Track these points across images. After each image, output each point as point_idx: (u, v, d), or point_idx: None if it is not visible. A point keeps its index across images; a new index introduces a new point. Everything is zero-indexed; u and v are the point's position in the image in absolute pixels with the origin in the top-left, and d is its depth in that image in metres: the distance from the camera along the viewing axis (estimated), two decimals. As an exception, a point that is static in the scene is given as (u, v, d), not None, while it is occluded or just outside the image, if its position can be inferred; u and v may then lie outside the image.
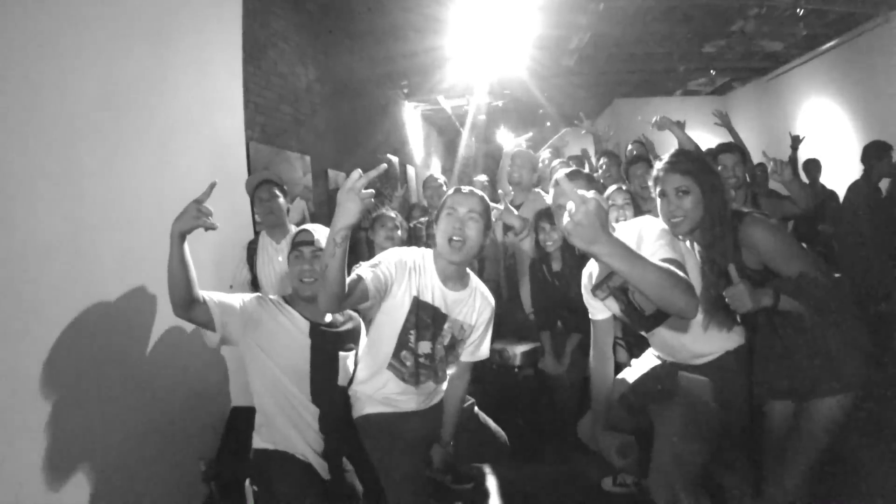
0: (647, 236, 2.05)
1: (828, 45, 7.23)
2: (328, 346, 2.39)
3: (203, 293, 2.19)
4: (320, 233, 2.41)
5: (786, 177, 3.14)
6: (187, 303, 2.14)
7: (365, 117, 7.83)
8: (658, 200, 2.19)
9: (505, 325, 3.83)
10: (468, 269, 2.45)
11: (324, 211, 5.67)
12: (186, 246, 2.10)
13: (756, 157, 4.27)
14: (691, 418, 2.07)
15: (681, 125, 4.31)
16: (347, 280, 1.93)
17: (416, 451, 2.38)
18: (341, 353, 2.43)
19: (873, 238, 4.69)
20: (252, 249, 3.50)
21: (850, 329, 2.03)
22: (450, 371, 2.48)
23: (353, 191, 1.82)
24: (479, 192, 2.35)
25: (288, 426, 2.30)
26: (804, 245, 2.55)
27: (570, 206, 1.42)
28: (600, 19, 6.65)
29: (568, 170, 2.62)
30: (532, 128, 12.83)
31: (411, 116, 11.26)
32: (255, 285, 3.41)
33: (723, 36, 7.26)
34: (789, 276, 1.99)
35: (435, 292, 2.31)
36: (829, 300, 1.97)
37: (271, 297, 2.45)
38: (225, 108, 3.86)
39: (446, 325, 2.34)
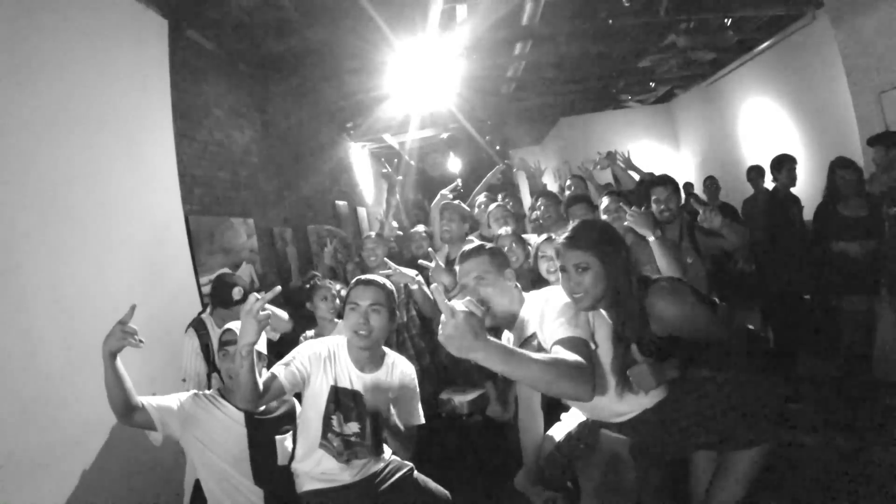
0: (549, 313, 2.15)
1: (761, 47, 7.71)
2: (264, 431, 2.63)
3: (142, 399, 2.42)
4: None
5: (715, 224, 3.25)
6: (127, 411, 2.35)
7: (309, 167, 8.06)
8: (560, 275, 2.22)
9: (452, 372, 4.07)
10: (383, 347, 2.68)
11: (272, 270, 5.87)
12: (119, 362, 2.30)
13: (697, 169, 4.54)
14: (609, 475, 2.23)
15: (623, 158, 4.59)
16: (262, 379, 2.24)
17: None
18: (278, 437, 2.65)
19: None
20: (204, 341, 3.57)
21: (760, 386, 2.11)
22: (383, 444, 2.64)
23: (251, 314, 2.07)
24: (381, 282, 2.60)
25: None
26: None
27: (443, 318, 1.59)
28: (532, 49, 7.04)
29: (470, 245, 2.67)
30: (480, 153, 13.22)
31: (359, 156, 11.51)
32: (217, 373, 3.43)
33: (657, 51, 7.69)
34: (696, 342, 2.09)
35: (352, 377, 2.53)
36: (737, 363, 2.09)
37: (206, 392, 2.69)
38: (160, 186, 4.07)
39: (369, 406, 2.51)
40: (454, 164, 14.98)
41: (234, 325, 2.63)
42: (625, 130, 11.15)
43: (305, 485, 2.52)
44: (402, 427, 2.56)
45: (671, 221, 3.58)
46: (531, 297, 2.40)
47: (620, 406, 2.21)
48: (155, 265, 3.79)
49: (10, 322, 2.57)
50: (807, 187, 5.57)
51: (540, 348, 2.16)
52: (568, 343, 1.92)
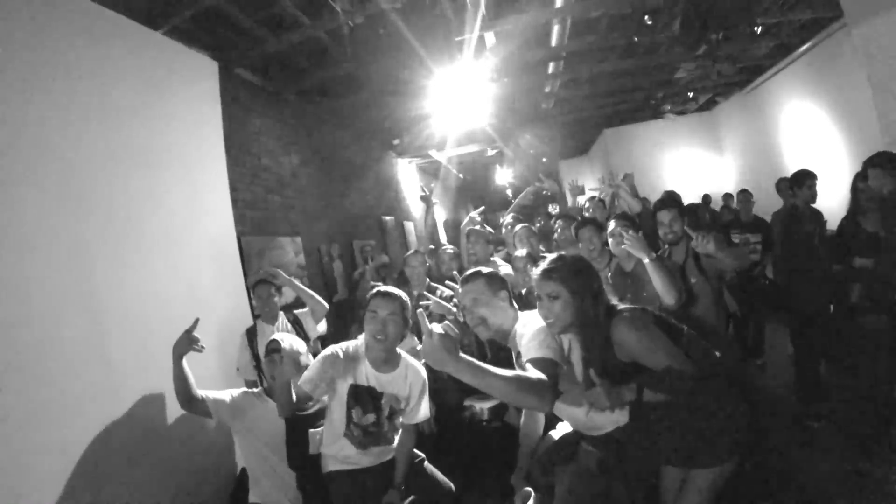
0: (526, 335, 2.48)
1: (799, 50, 7.72)
2: (300, 425, 3.16)
3: (201, 392, 3.05)
4: (287, 340, 3.24)
5: (709, 250, 3.39)
6: (188, 401, 3.03)
7: (354, 185, 8.59)
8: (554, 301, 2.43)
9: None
10: (397, 350, 3.11)
11: (319, 284, 6.37)
12: (185, 362, 2.98)
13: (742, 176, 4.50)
14: (575, 483, 2.52)
15: (628, 179, 4.85)
16: (297, 392, 2.87)
17: (371, 499, 2.94)
18: (311, 430, 3.16)
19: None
20: (251, 334, 4.22)
21: (725, 409, 2.30)
22: (398, 434, 3.11)
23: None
24: (397, 294, 3.01)
25: (272, 486, 3.10)
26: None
27: (424, 337, 1.97)
28: (566, 66, 7.40)
29: (469, 272, 2.92)
30: (527, 165, 13.54)
31: (406, 172, 12.01)
32: (257, 365, 4.09)
33: (691, 61, 7.86)
34: (656, 369, 2.22)
35: (369, 376, 2.97)
36: (694, 389, 2.21)
37: (255, 390, 3.30)
38: (215, 211, 4.58)
39: (383, 400, 2.97)
40: (502, 177, 15.36)
41: (279, 336, 3.24)
42: (669, 139, 11.35)
43: (330, 466, 3.00)
44: (407, 422, 3.08)
45: (676, 243, 3.72)
46: (524, 315, 2.69)
47: (595, 420, 2.48)
48: (212, 281, 4.31)
49: (84, 323, 3.10)
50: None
51: None
52: (537, 363, 2.27)
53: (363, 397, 2.94)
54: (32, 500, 2.63)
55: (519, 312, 2.75)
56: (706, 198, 9.40)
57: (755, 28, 7.00)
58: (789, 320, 4.94)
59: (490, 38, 5.99)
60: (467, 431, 4.13)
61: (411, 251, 5.07)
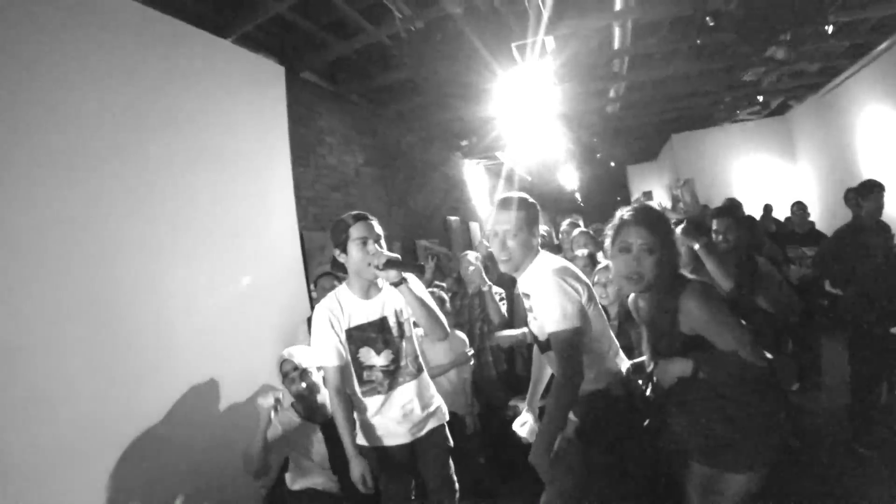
0: (542, 304, 2.42)
1: (877, 50, 7.36)
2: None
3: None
4: (298, 356, 3.28)
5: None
6: (261, 471, 3.13)
7: (419, 185, 8.79)
8: (612, 251, 2.27)
9: (525, 382, 4.53)
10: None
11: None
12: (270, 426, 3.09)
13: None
14: (559, 453, 2.41)
15: (688, 185, 4.79)
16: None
17: (403, 478, 2.91)
18: None
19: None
20: (310, 327, 4.40)
21: (768, 411, 2.15)
22: (419, 362, 2.98)
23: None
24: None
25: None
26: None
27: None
28: (630, 70, 7.39)
29: (508, 195, 2.77)
30: (589, 167, 13.49)
31: (473, 172, 12.16)
32: None
33: (759, 63, 7.62)
34: (720, 348, 2.10)
35: (359, 311, 2.81)
36: (749, 380, 2.11)
37: (285, 410, 3.23)
38: (279, 208, 4.85)
39: (390, 322, 2.84)
40: (570, 180, 15.32)
41: (288, 353, 3.31)
42: (739, 145, 11.07)
43: (359, 438, 2.85)
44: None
45: (729, 252, 3.69)
46: (542, 260, 2.56)
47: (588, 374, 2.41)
48: (274, 273, 4.57)
49: (151, 318, 3.38)
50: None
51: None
52: (560, 339, 2.32)
53: (369, 335, 2.81)
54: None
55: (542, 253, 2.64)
56: (768, 207, 9.09)
57: (826, 27, 6.72)
58: (848, 338, 4.64)
59: (550, 41, 6.05)
60: (510, 431, 4.22)
61: (466, 252, 5.15)
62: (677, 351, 2.20)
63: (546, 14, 5.24)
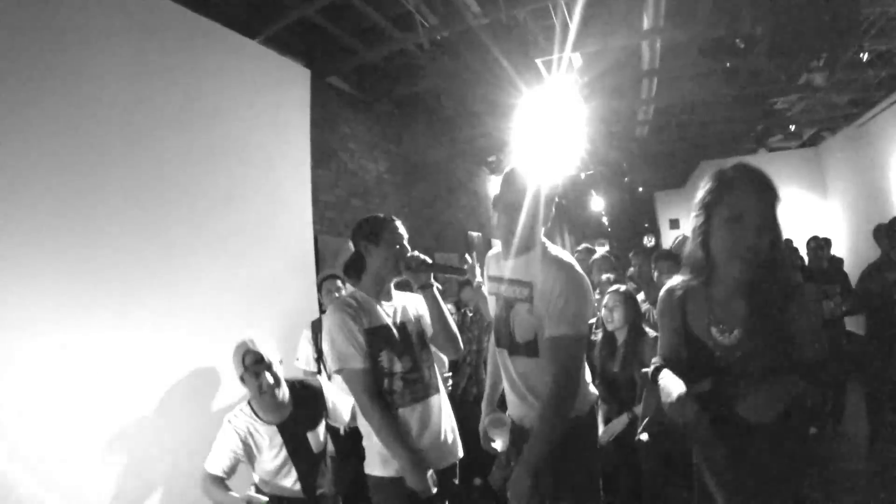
0: (558, 300, 2.12)
1: None
2: (296, 432, 2.98)
3: (219, 474, 2.78)
4: (261, 345, 2.90)
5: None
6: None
7: (442, 198, 8.81)
8: (726, 219, 1.81)
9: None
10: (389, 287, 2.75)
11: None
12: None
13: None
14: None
15: None
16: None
17: None
18: (309, 434, 3.03)
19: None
20: (317, 328, 4.34)
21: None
22: (437, 377, 2.77)
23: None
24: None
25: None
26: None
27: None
28: (659, 92, 7.37)
29: None
30: (619, 192, 13.42)
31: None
32: (319, 359, 4.31)
33: (792, 91, 7.56)
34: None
35: (377, 313, 2.60)
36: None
37: (238, 416, 2.93)
38: (294, 209, 4.89)
39: (409, 328, 2.66)
40: (597, 203, 15.26)
41: (250, 341, 2.91)
42: (769, 175, 10.85)
43: (375, 470, 2.58)
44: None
45: None
46: (553, 248, 2.34)
47: None
48: (284, 273, 4.61)
49: (160, 312, 3.42)
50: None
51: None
52: (567, 342, 2.10)
53: (385, 334, 2.57)
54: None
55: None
56: (788, 242, 8.84)
57: (861, 55, 6.62)
58: (867, 391, 4.47)
59: (577, 58, 6.06)
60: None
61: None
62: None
63: (573, 29, 5.26)
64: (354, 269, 3.01)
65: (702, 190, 1.91)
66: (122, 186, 3.28)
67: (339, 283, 4.43)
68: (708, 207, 1.87)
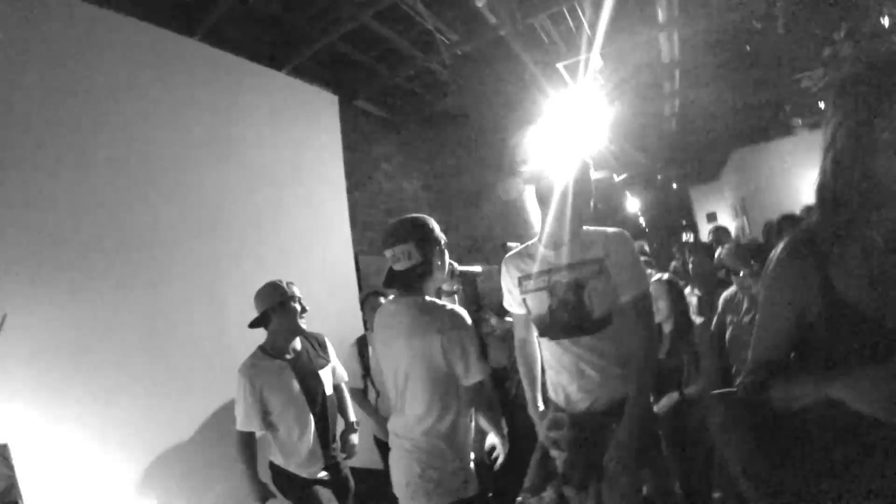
0: (624, 262, 2.29)
1: None
2: (307, 370, 3.20)
3: (247, 430, 3.03)
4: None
5: None
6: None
7: (477, 210, 8.90)
8: None
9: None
10: None
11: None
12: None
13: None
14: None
15: None
16: None
17: None
18: (321, 371, 3.27)
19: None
20: (363, 345, 4.47)
21: None
22: None
23: None
24: None
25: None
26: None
27: None
28: (682, 84, 7.37)
29: None
30: (654, 191, 13.32)
31: (534, 198, 12.11)
32: (367, 376, 4.42)
33: (817, 65, 7.34)
34: None
35: None
36: None
37: (249, 366, 3.09)
38: (334, 231, 5.04)
39: None
40: (633, 205, 15.15)
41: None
42: (802, 159, 10.59)
43: None
44: None
45: None
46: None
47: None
48: (327, 294, 4.72)
49: (211, 331, 3.60)
50: None
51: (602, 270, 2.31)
52: (646, 297, 2.31)
53: None
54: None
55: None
56: None
57: (881, 19, 6.41)
58: None
59: (598, 59, 6.12)
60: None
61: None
62: None
63: (594, 32, 5.33)
64: (399, 278, 2.47)
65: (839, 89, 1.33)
66: (169, 225, 3.49)
67: (381, 299, 4.53)
68: (857, 115, 1.26)
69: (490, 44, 5.47)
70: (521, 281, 2.51)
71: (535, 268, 2.46)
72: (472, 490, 2.32)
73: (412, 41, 5.34)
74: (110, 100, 3.30)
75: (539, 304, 2.44)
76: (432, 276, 2.41)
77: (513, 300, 2.58)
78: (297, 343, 3.23)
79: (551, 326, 2.41)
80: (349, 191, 5.32)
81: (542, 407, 2.59)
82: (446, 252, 2.49)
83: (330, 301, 4.74)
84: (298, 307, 3.17)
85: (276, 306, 3.11)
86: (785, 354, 1.42)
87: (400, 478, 2.36)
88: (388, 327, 2.42)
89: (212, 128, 3.95)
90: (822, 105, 8.91)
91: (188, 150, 3.74)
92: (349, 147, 5.46)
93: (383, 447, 4.13)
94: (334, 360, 3.47)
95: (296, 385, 3.10)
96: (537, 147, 9.12)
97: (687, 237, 13.56)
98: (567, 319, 2.37)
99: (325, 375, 3.31)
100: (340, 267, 5.03)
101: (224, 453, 3.31)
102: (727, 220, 12.68)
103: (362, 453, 4.05)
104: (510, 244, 9.88)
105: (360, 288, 5.23)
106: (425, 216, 2.49)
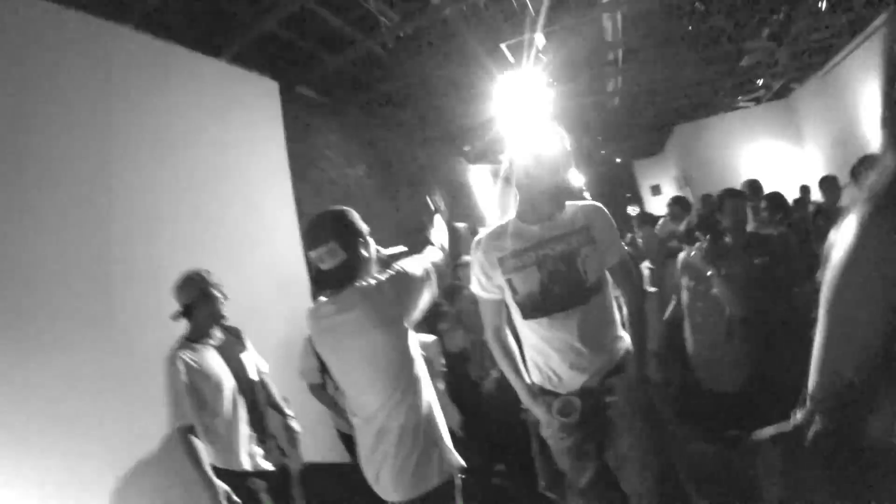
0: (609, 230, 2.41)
1: (875, 23, 7.11)
2: (231, 354, 3.19)
3: (187, 423, 2.87)
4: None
5: None
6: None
7: (423, 193, 8.75)
8: None
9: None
10: None
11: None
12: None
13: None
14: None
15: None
16: None
17: None
18: (242, 356, 3.27)
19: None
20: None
21: None
22: None
23: None
24: None
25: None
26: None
27: None
28: (626, 62, 7.39)
29: None
30: (600, 167, 13.47)
31: (479, 178, 12.13)
32: (324, 369, 4.27)
33: (756, 47, 7.48)
34: None
35: None
36: None
37: (180, 353, 2.95)
38: (280, 225, 4.87)
39: None
40: (577, 179, 15.28)
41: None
42: (743, 133, 10.92)
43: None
44: None
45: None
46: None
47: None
48: (276, 292, 4.57)
49: (153, 339, 3.38)
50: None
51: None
52: (627, 260, 2.47)
53: None
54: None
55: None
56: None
57: (819, 4, 6.54)
58: None
59: (541, 39, 6.06)
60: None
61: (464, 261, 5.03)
62: None
63: (537, 11, 5.26)
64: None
65: None
66: (97, 225, 3.26)
67: None
68: None
69: (432, 24, 5.34)
70: (501, 261, 2.42)
71: (518, 245, 2.41)
72: (455, 467, 2.25)
73: (353, 24, 5.15)
74: (32, 90, 3.03)
75: (527, 281, 2.38)
76: (361, 269, 2.27)
77: (490, 284, 2.47)
78: (218, 331, 3.21)
79: (543, 302, 2.36)
80: (293, 182, 5.15)
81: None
82: (371, 241, 2.33)
83: (281, 299, 4.59)
84: (220, 294, 3.16)
85: (198, 297, 3.08)
86: (875, 360, 0.97)
87: (373, 469, 2.26)
88: (328, 332, 2.27)
89: (145, 120, 3.72)
90: (759, 82, 9.15)
91: (121, 145, 3.49)
92: (291, 135, 5.28)
93: (348, 440, 4.04)
94: (252, 350, 3.45)
95: (225, 369, 3.08)
96: (480, 127, 9.07)
97: (632, 209, 13.80)
98: (559, 291, 2.34)
99: (248, 361, 3.30)
100: (289, 263, 4.87)
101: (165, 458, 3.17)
102: (671, 193, 12.99)
103: (326, 448, 3.95)
104: (458, 225, 9.82)
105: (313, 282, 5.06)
106: (343, 209, 2.33)
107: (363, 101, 7.04)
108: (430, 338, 3.91)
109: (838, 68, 8.74)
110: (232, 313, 3.93)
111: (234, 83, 4.66)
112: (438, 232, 2.59)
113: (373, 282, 2.20)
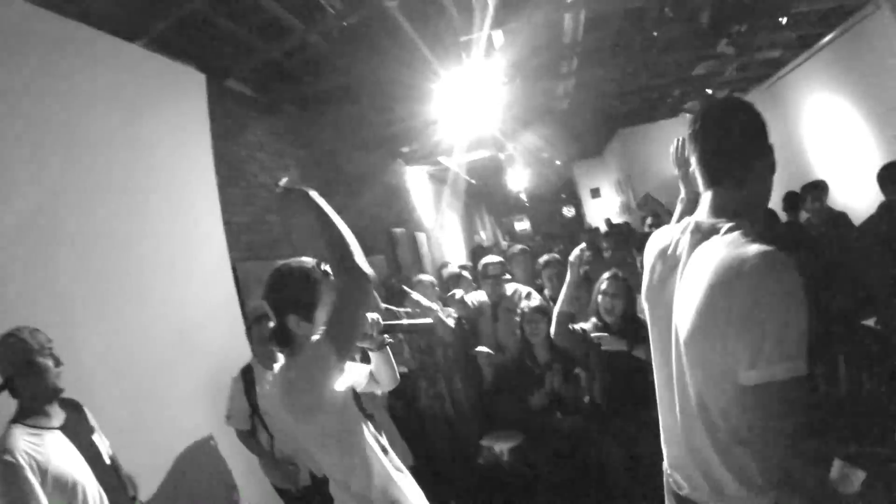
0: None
1: (822, 41, 7.43)
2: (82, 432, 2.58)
3: None
4: None
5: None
6: None
7: (360, 196, 8.25)
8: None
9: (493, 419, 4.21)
10: None
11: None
12: None
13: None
14: None
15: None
16: None
17: None
18: (94, 437, 2.59)
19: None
20: (248, 378, 3.68)
21: None
22: None
23: None
24: None
25: None
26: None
27: None
28: (580, 66, 7.09)
29: None
30: (540, 168, 13.38)
31: (417, 180, 11.70)
32: (256, 414, 3.70)
33: (709, 58, 7.48)
34: None
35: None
36: None
37: (18, 442, 2.23)
38: (206, 237, 4.28)
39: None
40: (515, 181, 15.13)
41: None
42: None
43: None
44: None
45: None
46: None
47: None
48: (205, 315, 3.99)
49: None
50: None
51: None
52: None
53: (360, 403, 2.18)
54: None
55: None
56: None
57: (780, 19, 6.57)
58: None
59: (499, 37, 5.66)
60: (483, 474, 3.95)
61: (419, 276, 5.03)
62: None
63: (492, 6, 4.85)
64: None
65: None
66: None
67: (271, 324, 3.83)
68: None
69: (379, 15, 4.82)
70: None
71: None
72: None
73: (292, 10, 4.56)
74: None
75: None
76: (291, 341, 2.03)
77: None
78: (56, 407, 2.45)
79: None
80: (220, 187, 4.56)
81: None
82: (318, 312, 2.02)
83: (210, 323, 4.01)
84: (51, 361, 2.39)
85: (23, 367, 2.31)
86: None
87: None
88: (282, 408, 1.98)
89: (47, 114, 3.09)
90: (709, 91, 9.25)
91: (8, 144, 2.85)
92: (218, 134, 4.70)
93: (287, 495, 3.66)
94: (96, 425, 2.66)
95: (79, 458, 2.36)
96: (421, 128, 8.63)
97: (568, 211, 13.81)
98: None
99: (100, 442, 2.58)
100: (217, 280, 4.30)
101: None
102: (611, 196, 13.04)
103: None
104: (395, 230, 9.36)
105: (241, 302, 4.47)
106: (294, 268, 2.06)
107: (298, 99, 6.46)
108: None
109: (783, 81, 9.03)
110: (150, 347, 3.39)
111: (155, 73, 4.04)
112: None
113: (292, 371, 1.98)
